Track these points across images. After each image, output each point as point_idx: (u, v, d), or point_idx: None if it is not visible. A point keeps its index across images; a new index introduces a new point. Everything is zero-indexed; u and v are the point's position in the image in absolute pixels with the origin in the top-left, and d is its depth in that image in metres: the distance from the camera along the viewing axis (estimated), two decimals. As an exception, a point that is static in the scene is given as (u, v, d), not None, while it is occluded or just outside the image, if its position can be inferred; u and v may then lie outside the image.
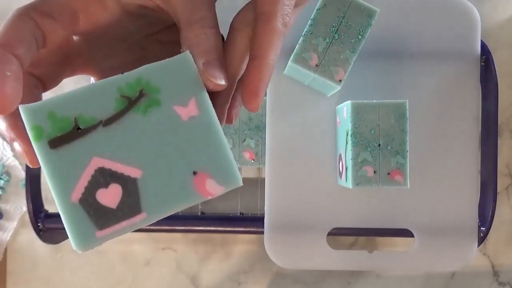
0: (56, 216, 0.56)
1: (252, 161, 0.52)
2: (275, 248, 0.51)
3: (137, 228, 0.23)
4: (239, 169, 0.55)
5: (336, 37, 0.44)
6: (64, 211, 0.22)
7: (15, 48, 0.22)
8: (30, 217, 0.53)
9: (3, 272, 0.62)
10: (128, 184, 0.23)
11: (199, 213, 0.59)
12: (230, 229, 0.55)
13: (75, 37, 0.28)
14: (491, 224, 0.51)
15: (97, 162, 0.23)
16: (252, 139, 0.52)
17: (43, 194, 0.55)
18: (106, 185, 0.23)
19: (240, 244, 0.62)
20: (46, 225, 0.53)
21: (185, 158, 0.23)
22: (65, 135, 0.22)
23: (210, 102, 0.24)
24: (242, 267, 0.62)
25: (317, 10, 0.44)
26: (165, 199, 0.23)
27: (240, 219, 0.56)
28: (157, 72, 0.23)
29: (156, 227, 0.54)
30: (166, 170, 0.23)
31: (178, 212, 0.24)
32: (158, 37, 0.29)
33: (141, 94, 0.23)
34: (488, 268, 0.61)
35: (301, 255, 0.51)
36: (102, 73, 0.29)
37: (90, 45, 0.28)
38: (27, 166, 0.52)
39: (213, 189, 0.24)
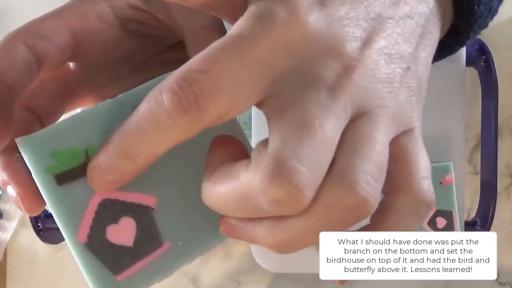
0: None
1: (252, 161, 0.52)
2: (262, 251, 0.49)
3: (178, 267, 0.20)
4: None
5: None
6: (76, 256, 0.19)
7: (4, 75, 0.19)
8: (30, 217, 0.52)
9: (3, 272, 0.62)
10: (142, 215, 0.19)
11: (199, 213, 0.58)
12: (230, 229, 0.55)
13: (72, 65, 0.25)
14: (491, 224, 0.51)
15: (101, 194, 0.19)
16: (252, 139, 0.52)
17: (43, 194, 0.55)
18: (115, 220, 0.19)
19: (240, 244, 0.62)
20: (46, 225, 0.53)
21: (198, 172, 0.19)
22: (75, 169, 0.18)
23: None
24: (242, 267, 0.62)
25: None
26: (189, 222, 0.20)
27: (240, 219, 0.56)
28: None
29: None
30: (182, 190, 0.20)
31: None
32: (162, 58, 0.27)
33: None
34: (488, 268, 0.61)
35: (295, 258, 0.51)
36: None
37: (90, 71, 0.25)
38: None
39: None
